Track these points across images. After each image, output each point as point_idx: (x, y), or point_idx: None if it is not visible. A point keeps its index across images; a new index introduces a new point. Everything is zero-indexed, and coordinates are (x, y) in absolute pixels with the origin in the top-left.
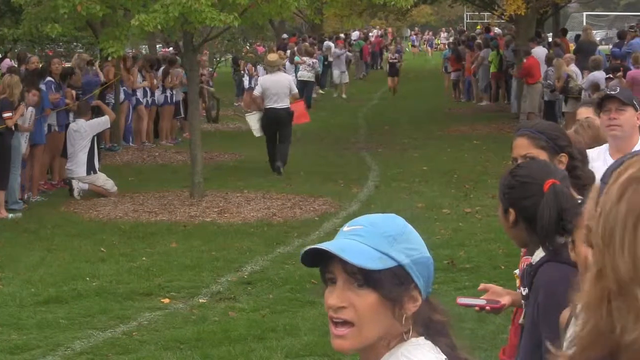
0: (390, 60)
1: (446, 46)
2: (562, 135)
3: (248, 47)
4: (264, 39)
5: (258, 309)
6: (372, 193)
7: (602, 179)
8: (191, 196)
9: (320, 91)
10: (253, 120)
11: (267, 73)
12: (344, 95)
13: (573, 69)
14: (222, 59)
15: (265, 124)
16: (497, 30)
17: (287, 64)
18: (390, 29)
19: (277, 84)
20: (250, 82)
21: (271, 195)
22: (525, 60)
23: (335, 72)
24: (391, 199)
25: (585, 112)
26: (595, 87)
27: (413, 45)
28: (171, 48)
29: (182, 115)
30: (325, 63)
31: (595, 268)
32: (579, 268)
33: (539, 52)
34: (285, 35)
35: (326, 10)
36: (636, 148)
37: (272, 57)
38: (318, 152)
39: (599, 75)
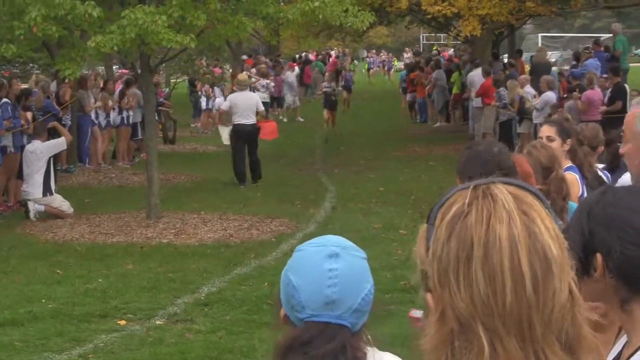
0: (325, 89)
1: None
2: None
3: (205, 69)
4: (219, 59)
5: (215, 330)
6: (329, 214)
7: (428, 220)
8: (148, 217)
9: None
10: (225, 131)
11: (236, 91)
12: (300, 118)
13: (528, 90)
14: (179, 80)
15: (234, 138)
16: (450, 51)
17: None
18: (347, 50)
19: (246, 102)
20: (207, 104)
21: (228, 217)
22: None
23: (288, 97)
24: (348, 219)
25: (547, 130)
26: (555, 106)
27: (369, 68)
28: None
29: (140, 137)
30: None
31: (437, 311)
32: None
33: (475, 73)
34: (244, 57)
35: (283, 32)
36: None
37: (242, 76)
38: (275, 173)
39: (552, 95)
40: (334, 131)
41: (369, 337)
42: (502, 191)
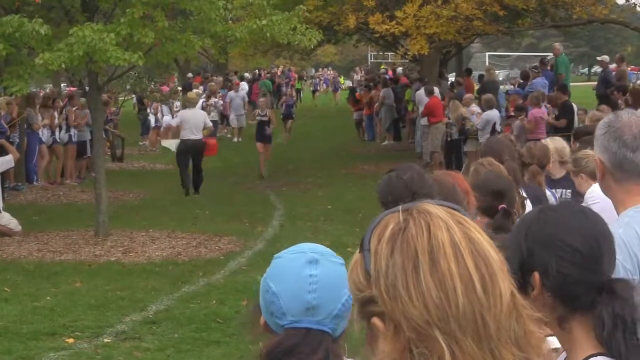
0: (259, 118)
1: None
2: None
3: (153, 86)
4: (165, 76)
5: (163, 348)
6: (277, 232)
7: (361, 249)
8: (96, 235)
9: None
10: (173, 144)
11: (185, 108)
12: (239, 139)
13: (474, 109)
14: (127, 98)
15: (182, 152)
16: (398, 70)
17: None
18: (293, 68)
19: (195, 118)
20: (156, 121)
21: (176, 235)
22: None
23: (232, 116)
24: (296, 237)
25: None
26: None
27: (314, 90)
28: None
29: (89, 155)
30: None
31: (390, 328)
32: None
33: (422, 92)
34: (190, 75)
35: (231, 50)
36: None
37: (192, 94)
38: (223, 191)
39: (493, 114)
40: (268, 166)
41: (345, 345)
42: (434, 206)
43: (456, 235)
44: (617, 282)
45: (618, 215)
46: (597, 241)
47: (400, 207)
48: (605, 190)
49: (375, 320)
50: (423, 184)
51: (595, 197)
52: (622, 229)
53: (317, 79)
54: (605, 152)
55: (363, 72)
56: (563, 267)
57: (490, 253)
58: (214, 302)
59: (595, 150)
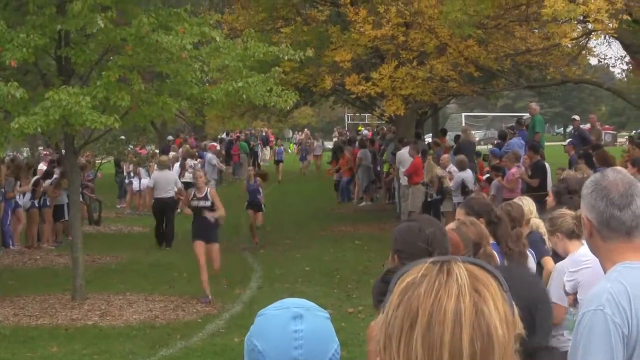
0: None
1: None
2: None
3: (130, 149)
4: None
5: None
6: (255, 294)
7: (389, 290)
8: (73, 299)
9: None
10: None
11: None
12: None
13: (452, 169)
14: (104, 161)
15: (155, 209)
16: (364, 131)
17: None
18: (266, 130)
19: (166, 179)
20: (139, 185)
21: (154, 298)
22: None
23: (210, 183)
24: (274, 299)
25: (458, 214)
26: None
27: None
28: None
29: (66, 218)
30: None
31: None
32: None
33: (404, 152)
34: (170, 137)
35: (207, 112)
36: None
37: (164, 158)
38: None
39: (465, 175)
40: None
41: None
42: (459, 267)
43: (464, 304)
44: (544, 351)
45: (605, 272)
46: (533, 308)
47: (428, 260)
48: (593, 248)
49: None
50: (443, 243)
51: (588, 261)
52: (610, 284)
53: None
54: (592, 210)
55: (337, 133)
56: None
57: (496, 329)
58: None
59: (582, 208)
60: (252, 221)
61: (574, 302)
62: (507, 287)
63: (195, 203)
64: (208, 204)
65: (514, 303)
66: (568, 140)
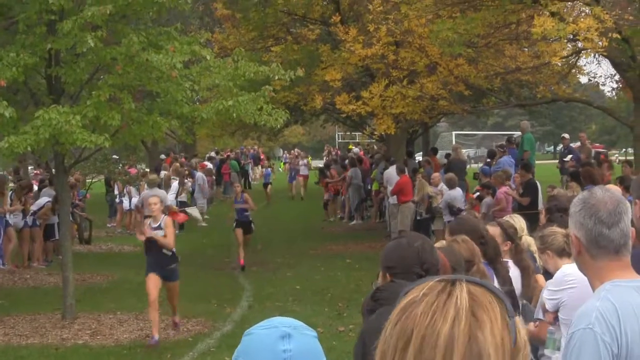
0: (237, 206)
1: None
2: None
3: (120, 168)
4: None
5: None
6: (245, 313)
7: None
8: (63, 318)
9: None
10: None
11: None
12: (204, 223)
13: (442, 188)
14: (94, 180)
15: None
16: (355, 149)
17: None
18: (256, 148)
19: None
20: (130, 204)
21: (144, 317)
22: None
23: (199, 202)
24: (265, 318)
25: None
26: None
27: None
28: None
29: (57, 237)
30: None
31: None
32: None
33: (391, 171)
34: (162, 156)
35: (198, 131)
36: None
37: (153, 177)
38: (191, 273)
39: (455, 193)
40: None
41: None
42: (462, 289)
43: (458, 328)
44: None
45: (594, 290)
46: None
47: (435, 278)
48: (582, 266)
49: None
50: (433, 255)
51: (574, 281)
52: (600, 302)
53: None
54: (581, 228)
55: (326, 151)
56: None
57: (489, 357)
58: None
59: (570, 227)
60: (239, 242)
61: (554, 321)
62: (512, 312)
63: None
64: (161, 233)
65: (519, 330)
66: (569, 157)
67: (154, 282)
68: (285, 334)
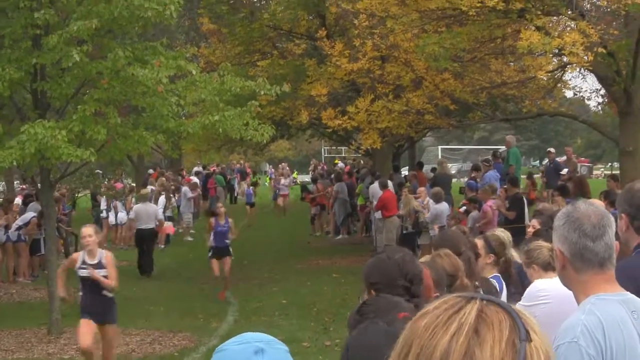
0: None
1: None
2: None
3: (106, 183)
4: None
5: None
6: (231, 327)
7: None
8: (49, 333)
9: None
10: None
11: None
12: (190, 238)
13: (429, 202)
14: (80, 194)
15: (137, 239)
16: (340, 164)
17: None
18: (246, 164)
19: (147, 212)
20: (116, 219)
21: (130, 331)
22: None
23: (186, 215)
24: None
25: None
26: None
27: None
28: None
29: (43, 252)
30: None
31: None
32: None
33: (376, 186)
34: (150, 171)
35: (184, 145)
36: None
37: (144, 191)
38: (177, 287)
39: (442, 207)
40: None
41: None
42: (474, 306)
43: (456, 343)
44: None
45: (578, 304)
46: None
47: (453, 295)
48: (566, 280)
49: None
50: (414, 265)
51: (548, 297)
52: (585, 316)
53: (273, 171)
54: (565, 242)
55: (312, 166)
56: None
57: None
58: None
59: (554, 241)
60: (216, 274)
61: None
62: (525, 337)
63: (83, 272)
64: (103, 272)
65: (530, 356)
66: (565, 170)
67: (87, 328)
68: (258, 349)
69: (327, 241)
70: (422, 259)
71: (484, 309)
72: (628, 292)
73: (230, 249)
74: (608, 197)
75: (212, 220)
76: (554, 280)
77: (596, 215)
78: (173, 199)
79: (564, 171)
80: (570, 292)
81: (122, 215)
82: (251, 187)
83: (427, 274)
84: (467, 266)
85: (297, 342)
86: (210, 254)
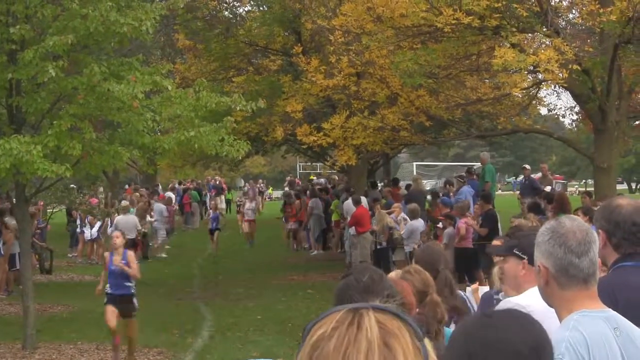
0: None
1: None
2: None
3: (81, 198)
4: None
5: None
6: (207, 343)
7: (302, 339)
8: (23, 348)
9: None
10: None
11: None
12: (164, 255)
13: (403, 218)
14: (55, 210)
15: None
16: (320, 180)
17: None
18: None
19: (127, 223)
20: (91, 234)
21: (105, 347)
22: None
23: (160, 232)
24: (226, 348)
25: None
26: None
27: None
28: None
29: (17, 267)
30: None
31: None
32: None
33: (349, 202)
34: (127, 186)
35: (159, 161)
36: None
37: (125, 204)
38: (152, 302)
39: (417, 224)
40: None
41: None
42: (371, 319)
43: (357, 356)
44: None
45: (560, 320)
46: (537, 349)
47: (342, 308)
48: (548, 296)
49: None
50: (383, 285)
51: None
52: (569, 332)
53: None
54: (550, 257)
55: (287, 182)
56: None
57: None
58: None
59: (537, 256)
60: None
61: None
62: (421, 335)
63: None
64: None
65: (429, 352)
66: (549, 187)
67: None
68: None
69: (302, 257)
70: (392, 274)
71: (380, 320)
72: (610, 309)
73: (135, 300)
74: (588, 214)
75: (107, 254)
76: (528, 295)
77: (581, 231)
78: (148, 216)
79: (548, 188)
80: (551, 309)
81: (95, 231)
82: (217, 212)
83: (407, 290)
84: (444, 284)
85: (272, 357)
86: (105, 299)
